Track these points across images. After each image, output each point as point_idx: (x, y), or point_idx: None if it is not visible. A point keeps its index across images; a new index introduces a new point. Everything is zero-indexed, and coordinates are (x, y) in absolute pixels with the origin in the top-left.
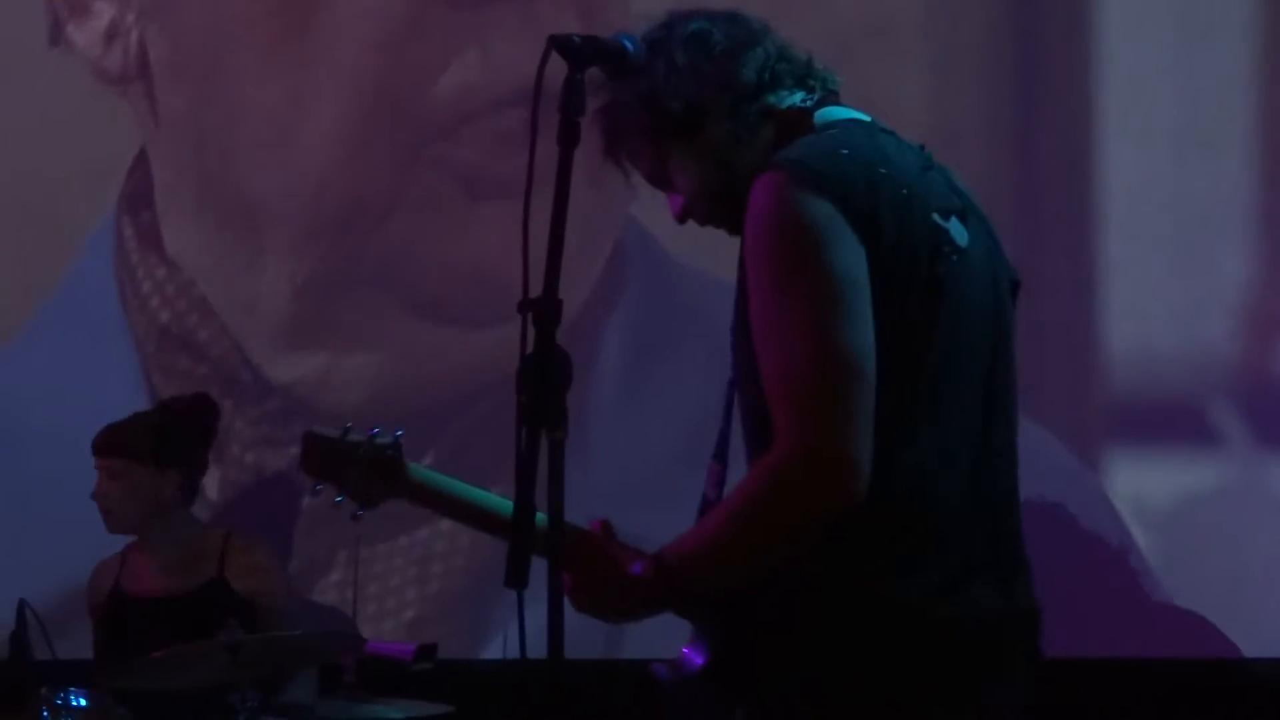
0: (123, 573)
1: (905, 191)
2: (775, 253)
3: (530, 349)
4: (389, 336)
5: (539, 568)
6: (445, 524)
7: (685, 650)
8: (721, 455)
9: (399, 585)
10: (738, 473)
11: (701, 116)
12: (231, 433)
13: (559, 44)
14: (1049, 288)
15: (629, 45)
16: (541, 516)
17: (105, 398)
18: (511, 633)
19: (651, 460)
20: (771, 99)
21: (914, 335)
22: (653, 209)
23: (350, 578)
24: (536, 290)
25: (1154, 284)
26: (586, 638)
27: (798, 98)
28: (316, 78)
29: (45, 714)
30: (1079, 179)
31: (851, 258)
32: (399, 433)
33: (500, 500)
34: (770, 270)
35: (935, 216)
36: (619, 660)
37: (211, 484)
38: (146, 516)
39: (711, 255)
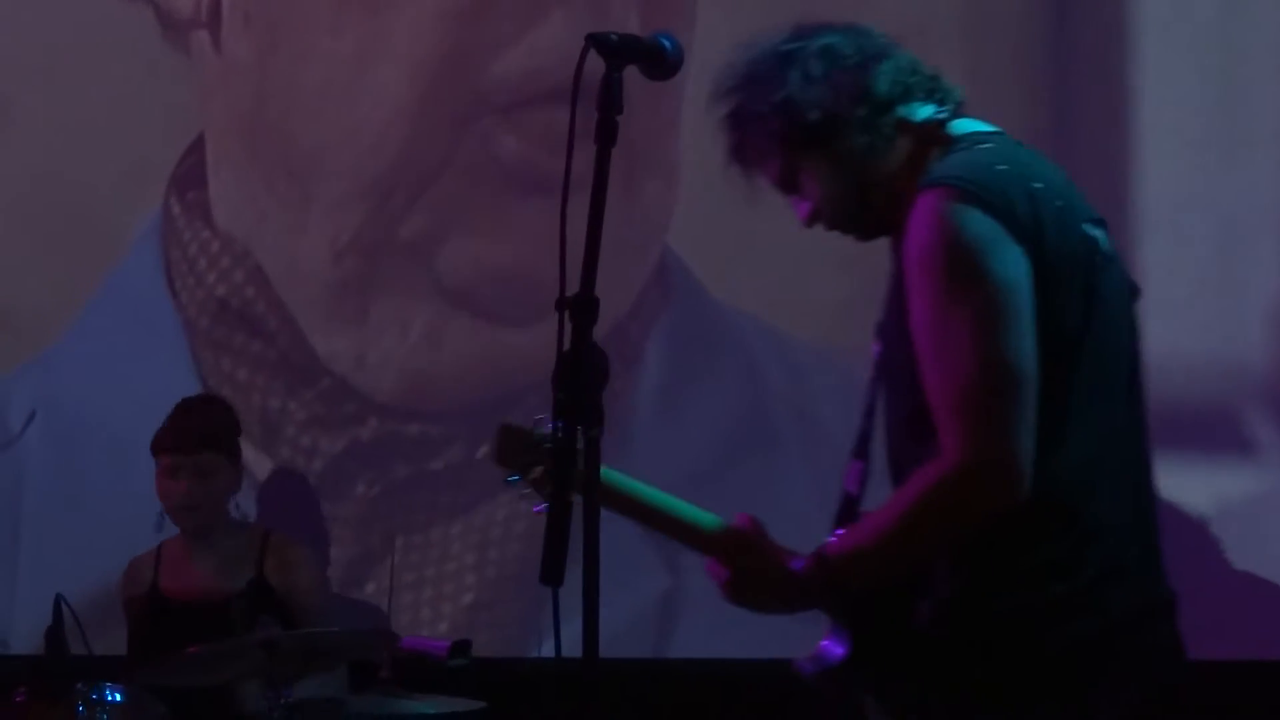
0: (160, 572)
1: (1060, 203)
2: (941, 266)
3: (567, 347)
4: (421, 318)
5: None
6: (501, 509)
7: (824, 643)
8: (862, 452)
9: (456, 570)
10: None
11: (837, 127)
12: (286, 414)
13: (597, 42)
14: None
15: (667, 44)
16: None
17: (153, 393)
18: (565, 627)
19: (690, 465)
20: (904, 111)
21: (1071, 341)
22: (688, 241)
23: (406, 561)
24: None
25: (1189, 289)
26: (636, 638)
27: (929, 110)
28: (384, 35)
29: (81, 709)
30: (1114, 184)
31: (1015, 269)
32: None
33: (669, 499)
34: (937, 283)
35: (1086, 226)
36: (658, 659)
37: (264, 467)
38: (220, 513)
39: (734, 289)
